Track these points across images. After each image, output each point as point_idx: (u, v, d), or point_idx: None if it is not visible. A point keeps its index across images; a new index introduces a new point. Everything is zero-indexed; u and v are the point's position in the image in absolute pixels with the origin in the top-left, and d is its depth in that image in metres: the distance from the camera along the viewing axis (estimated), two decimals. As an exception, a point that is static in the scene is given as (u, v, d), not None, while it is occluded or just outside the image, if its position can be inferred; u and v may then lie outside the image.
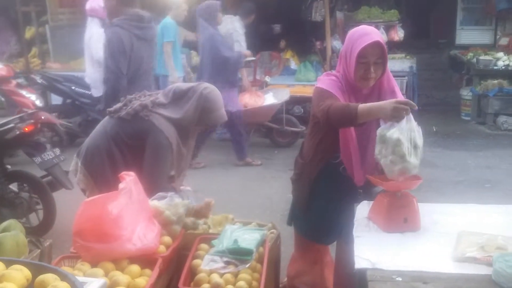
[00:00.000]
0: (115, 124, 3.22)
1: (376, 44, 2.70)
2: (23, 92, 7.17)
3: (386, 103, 2.49)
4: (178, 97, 3.24)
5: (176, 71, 7.33)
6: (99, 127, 3.34)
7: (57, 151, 4.81)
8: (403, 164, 2.40)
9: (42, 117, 5.56)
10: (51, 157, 4.68)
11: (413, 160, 2.40)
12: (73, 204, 3.17)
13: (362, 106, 2.57)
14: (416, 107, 2.47)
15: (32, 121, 4.71)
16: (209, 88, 3.29)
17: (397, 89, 2.91)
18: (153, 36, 4.40)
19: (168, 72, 7.40)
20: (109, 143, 3.19)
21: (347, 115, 2.59)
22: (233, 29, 7.52)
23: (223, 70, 6.58)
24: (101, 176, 3.18)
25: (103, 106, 4.25)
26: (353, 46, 2.74)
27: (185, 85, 3.34)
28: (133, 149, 3.17)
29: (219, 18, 6.77)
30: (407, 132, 2.40)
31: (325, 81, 2.86)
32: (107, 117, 3.32)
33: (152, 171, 3.09)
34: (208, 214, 3.24)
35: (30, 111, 5.12)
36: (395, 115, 2.41)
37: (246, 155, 7.11)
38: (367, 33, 2.75)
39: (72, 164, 3.37)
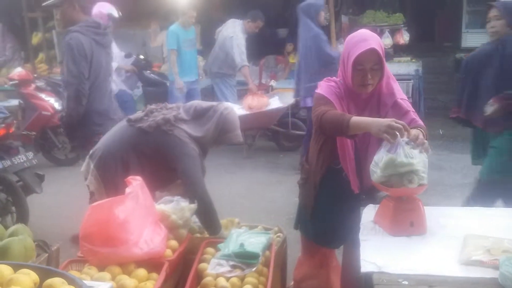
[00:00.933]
0: (135, 133, 3.26)
1: (372, 51, 2.67)
2: (42, 95, 7.31)
3: (381, 120, 2.49)
4: (199, 115, 3.34)
5: (179, 78, 7.36)
6: (116, 132, 3.36)
7: (30, 155, 4.95)
8: (421, 181, 2.43)
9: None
10: (22, 160, 4.81)
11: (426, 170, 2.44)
12: (79, 208, 3.20)
13: (355, 118, 2.57)
14: (409, 133, 2.45)
15: (3, 125, 4.79)
16: (229, 108, 3.41)
17: (397, 91, 2.87)
18: (109, 43, 4.46)
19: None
20: (127, 151, 3.22)
21: (339, 125, 2.59)
22: (233, 33, 7.54)
23: (327, 69, 6.56)
24: (112, 181, 3.19)
25: (66, 111, 4.29)
26: (350, 53, 2.72)
27: (205, 103, 3.43)
28: (153, 160, 3.22)
29: (322, 17, 6.71)
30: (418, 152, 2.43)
31: (323, 86, 2.86)
32: (125, 124, 3.34)
33: (194, 180, 3.17)
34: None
35: (6, 115, 5.21)
36: (388, 132, 2.40)
37: None
38: (364, 39, 2.71)
39: (84, 165, 3.39)
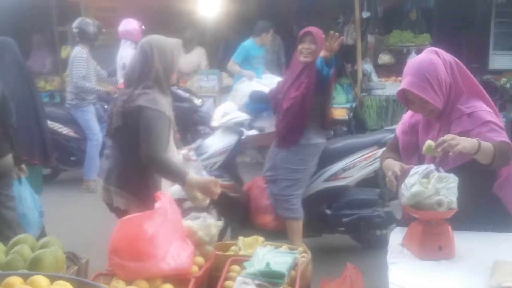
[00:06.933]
0: (120, 137, 3.27)
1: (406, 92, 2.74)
2: None
3: None
4: (140, 74, 3.25)
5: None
6: (113, 148, 3.41)
7: None
8: (451, 205, 2.43)
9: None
10: None
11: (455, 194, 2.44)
12: (103, 222, 3.24)
13: None
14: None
15: None
16: (147, 38, 3.36)
17: None
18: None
19: None
20: (132, 155, 3.21)
21: None
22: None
23: None
24: (138, 191, 3.23)
25: None
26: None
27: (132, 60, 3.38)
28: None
29: None
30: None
31: None
32: (110, 140, 3.40)
33: (147, 147, 3.10)
34: (215, 193, 3.22)
35: None
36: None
37: None
38: (405, 73, 2.76)
39: (102, 192, 3.41)
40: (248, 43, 7.74)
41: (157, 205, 2.63)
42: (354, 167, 4.70)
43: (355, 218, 4.76)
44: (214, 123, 4.98)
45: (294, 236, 4.46)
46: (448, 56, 2.76)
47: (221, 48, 10.48)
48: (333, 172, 4.67)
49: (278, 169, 4.54)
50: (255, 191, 4.75)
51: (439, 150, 2.43)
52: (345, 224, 4.82)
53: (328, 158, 4.64)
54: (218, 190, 3.22)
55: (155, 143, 3.10)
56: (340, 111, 8.14)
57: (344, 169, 4.69)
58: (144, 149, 3.11)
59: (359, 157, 4.70)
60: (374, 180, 4.89)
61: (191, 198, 3.19)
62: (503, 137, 2.58)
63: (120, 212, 3.28)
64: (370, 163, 4.71)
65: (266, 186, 4.65)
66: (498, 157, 2.48)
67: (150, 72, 3.20)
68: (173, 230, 2.67)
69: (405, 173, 2.58)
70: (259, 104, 5.00)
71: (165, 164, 3.14)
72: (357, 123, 8.12)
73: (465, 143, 2.41)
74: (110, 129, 3.32)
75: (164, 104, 3.19)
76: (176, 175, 3.19)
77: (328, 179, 4.68)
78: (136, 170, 3.23)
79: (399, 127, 2.99)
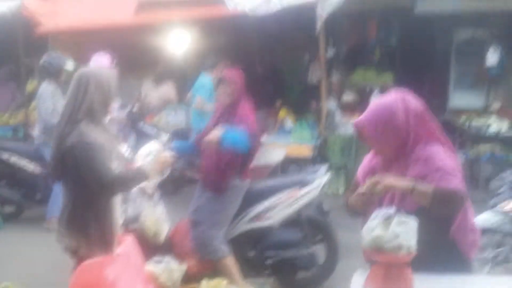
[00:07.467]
0: (63, 177, 3.26)
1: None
2: None
3: None
4: (69, 101, 3.25)
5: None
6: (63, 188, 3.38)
7: None
8: (410, 249, 2.47)
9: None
10: None
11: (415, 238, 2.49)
12: (65, 263, 3.18)
13: None
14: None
15: None
16: (82, 71, 3.36)
17: None
18: None
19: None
20: (77, 193, 3.19)
21: None
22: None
23: None
24: (87, 230, 3.15)
25: None
26: None
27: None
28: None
29: None
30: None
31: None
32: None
33: (94, 180, 3.07)
34: (169, 162, 3.50)
35: None
36: None
37: None
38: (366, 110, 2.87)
39: (57, 234, 3.34)
40: (206, 79, 7.69)
41: (118, 250, 2.62)
42: (277, 208, 4.63)
43: (279, 260, 4.72)
44: (137, 163, 4.89)
45: (232, 275, 4.26)
46: (412, 101, 2.87)
47: (189, 84, 10.54)
48: (256, 212, 4.61)
49: (200, 211, 4.47)
50: (178, 237, 4.61)
51: (364, 186, 2.64)
52: (270, 266, 4.76)
53: (251, 198, 4.59)
54: (170, 159, 3.55)
55: (99, 172, 3.07)
56: (305, 148, 8.20)
57: (267, 210, 4.63)
58: (93, 183, 3.08)
59: (281, 198, 4.65)
60: (297, 221, 4.82)
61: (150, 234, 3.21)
62: (453, 184, 2.71)
63: (71, 253, 3.23)
64: (293, 203, 4.66)
65: (189, 230, 4.51)
66: (437, 202, 2.60)
67: (82, 105, 3.18)
68: (135, 275, 2.66)
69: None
70: (181, 142, 4.96)
71: (120, 180, 3.14)
72: (322, 161, 8.20)
73: (395, 181, 2.62)
74: (53, 172, 3.32)
75: (94, 134, 3.16)
76: (136, 178, 3.25)
77: (251, 220, 4.62)
78: (83, 210, 3.17)
79: (359, 171, 3.07)
